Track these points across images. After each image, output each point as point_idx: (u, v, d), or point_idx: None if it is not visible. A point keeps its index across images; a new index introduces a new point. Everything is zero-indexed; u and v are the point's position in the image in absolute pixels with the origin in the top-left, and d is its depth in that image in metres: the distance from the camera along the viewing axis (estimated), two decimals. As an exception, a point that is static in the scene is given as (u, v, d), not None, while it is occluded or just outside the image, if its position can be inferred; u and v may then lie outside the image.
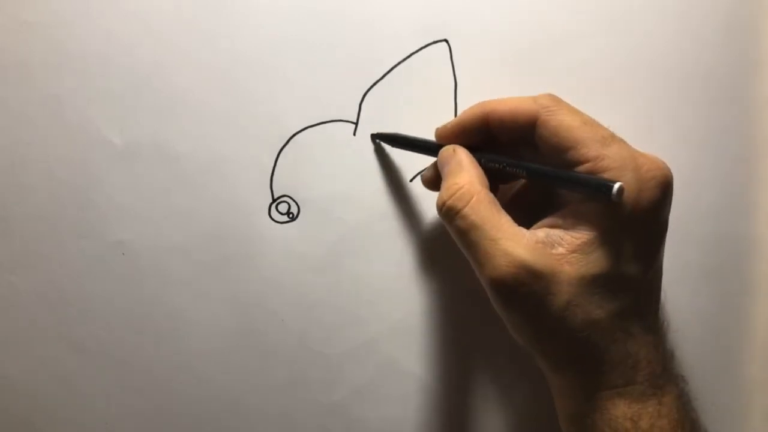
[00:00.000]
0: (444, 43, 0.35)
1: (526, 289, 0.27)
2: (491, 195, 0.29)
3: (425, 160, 0.36)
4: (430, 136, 0.36)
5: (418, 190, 0.36)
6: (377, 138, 0.35)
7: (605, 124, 0.29)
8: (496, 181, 0.32)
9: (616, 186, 0.26)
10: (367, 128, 0.35)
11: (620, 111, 0.36)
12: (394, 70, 0.35)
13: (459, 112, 0.36)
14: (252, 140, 0.35)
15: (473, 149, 0.31)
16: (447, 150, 0.32)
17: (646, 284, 0.29)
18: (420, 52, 0.35)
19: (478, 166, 0.31)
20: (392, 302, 0.36)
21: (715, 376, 0.37)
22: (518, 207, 0.32)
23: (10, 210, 0.36)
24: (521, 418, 0.37)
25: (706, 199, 0.36)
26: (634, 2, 0.35)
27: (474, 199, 0.29)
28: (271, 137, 0.35)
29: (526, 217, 0.30)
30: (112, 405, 0.36)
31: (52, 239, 0.36)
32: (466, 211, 0.29)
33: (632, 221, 0.28)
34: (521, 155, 0.32)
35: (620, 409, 0.28)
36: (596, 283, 0.28)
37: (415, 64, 0.35)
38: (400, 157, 0.36)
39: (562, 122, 0.29)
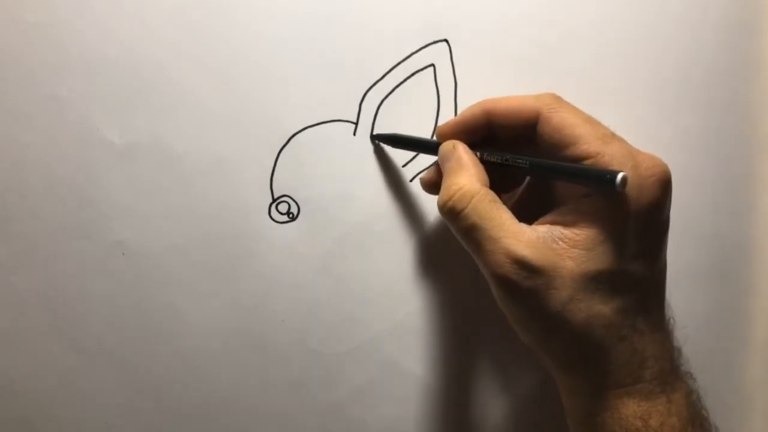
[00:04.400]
0: (444, 43, 0.35)
1: (528, 283, 0.28)
2: (492, 193, 0.30)
3: (425, 160, 0.36)
4: (431, 135, 0.36)
5: (418, 190, 0.36)
6: (377, 139, 0.35)
7: (605, 124, 0.29)
8: (496, 176, 0.32)
9: (620, 175, 0.26)
10: (367, 128, 0.36)
11: (620, 111, 0.36)
12: (394, 70, 0.35)
13: (459, 112, 0.36)
14: (252, 140, 0.35)
15: (473, 146, 0.32)
16: (447, 145, 0.32)
17: (651, 281, 0.29)
18: (420, 52, 0.35)
19: (478, 163, 0.31)
20: (392, 302, 0.36)
21: (715, 375, 0.37)
22: (519, 204, 0.33)
23: (10, 210, 0.36)
24: (522, 417, 0.37)
25: (705, 200, 0.36)
26: (633, 2, 0.35)
27: (475, 199, 0.29)
28: (271, 137, 0.35)
29: (527, 215, 0.30)
30: (112, 405, 0.36)
31: (52, 239, 0.36)
32: (467, 211, 0.29)
33: (633, 218, 0.28)
34: (521, 154, 0.32)
35: (630, 408, 0.28)
36: (599, 280, 0.28)
37: (415, 64, 0.35)
38: (400, 156, 0.36)
39: (564, 119, 0.29)
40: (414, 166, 0.36)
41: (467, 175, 0.30)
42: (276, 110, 0.35)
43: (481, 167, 0.31)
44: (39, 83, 0.35)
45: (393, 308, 0.36)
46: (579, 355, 0.29)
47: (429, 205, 0.36)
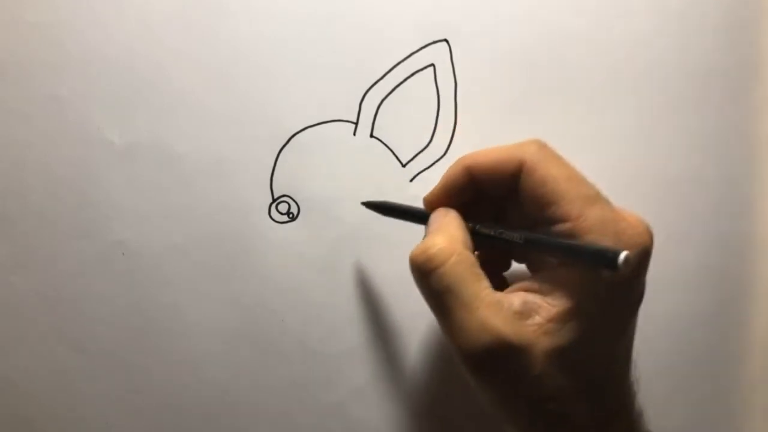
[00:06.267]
0: (444, 43, 0.35)
1: (500, 362, 0.26)
2: (472, 257, 0.28)
3: (426, 160, 0.36)
4: (430, 136, 0.36)
5: (418, 190, 0.36)
6: (368, 206, 0.34)
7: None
8: (487, 247, 0.31)
9: (622, 255, 0.24)
10: (367, 128, 0.36)
11: (620, 111, 0.36)
12: (394, 70, 0.35)
13: (459, 113, 0.36)
14: (252, 140, 0.35)
15: (464, 214, 0.30)
16: (439, 211, 0.30)
17: (619, 350, 0.29)
18: (420, 52, 0.35)
19: (465, 228, 0.29)
20: (392, 302, 0.36)
21: (715, 375, 0.37)
22: (492, 266, 0.31)
23: (10, 210, 0.36)
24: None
25: (706, 199, 0.36)
26: (634, 2, 0.35)
27: (453, 259, 0.27)
28: (271, 137, 0.35)
29: (498, 276, 0.29)
30: (112, 405, 0.36)
31: (52, 239, 0.36)
32: (442, 271, 0.27)
33: (608, 290, 0.27)
34: (508, 210, 0.31)
35: None
36: (569, 353, 0.27)
37: (415, 64, 0.35)
38: (400, 156, 0.36)
39: (548, 174, 0.27)
40: (414, 165, 0.36)
41: (448, 233, 0.28)
42: (276, 110, 0.35)
43: (466, 232, 0.29)
44: (39, 83, 0.35)
45: (393, 308, 0.36)
46: (539, 426, 0.28)
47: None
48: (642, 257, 0.27)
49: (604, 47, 0.35)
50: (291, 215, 0.36)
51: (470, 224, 0.30)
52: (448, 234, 0.28)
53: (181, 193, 0.35)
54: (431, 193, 0.31)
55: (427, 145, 0.36)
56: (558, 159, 0.28)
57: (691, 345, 0.36)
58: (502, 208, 0.31)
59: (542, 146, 0.28)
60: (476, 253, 0.29)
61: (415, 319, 0.36)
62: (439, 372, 0.36)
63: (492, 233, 0.29)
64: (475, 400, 0.36)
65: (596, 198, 0.27)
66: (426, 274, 0.27)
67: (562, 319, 0.26)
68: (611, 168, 0.35)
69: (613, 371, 0.29)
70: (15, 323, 0.36)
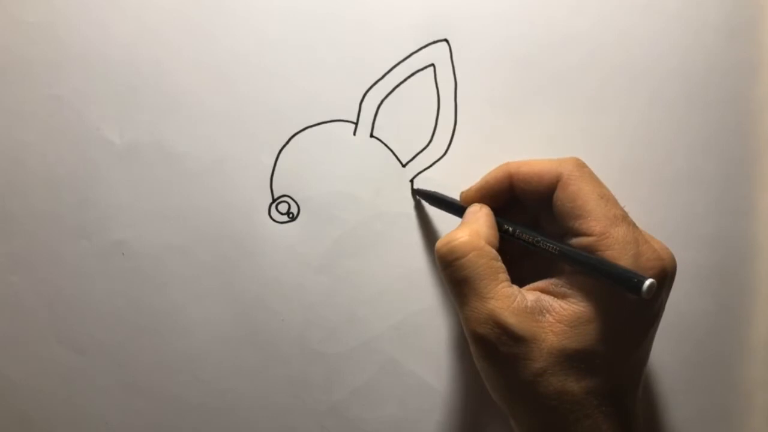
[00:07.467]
0: (444, 43, 0.35)
1: (505, 349, 0.28)
2: (493, 252, 0.30)
3: (426, 160, 0.36)
4: (430, 136, 0.36)
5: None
6: (418, 194, 0.36)
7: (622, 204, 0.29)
8: (522, 249, 0.32)
9: (647, 282, 0.26)
10: (367, 128, 0.36)
11: (620, 111, 0.36)
12: (394, 70, 0.35)
13: (459, 113, 0.36)
14: (252, 140, 0.35)
15: (498, 212, 0.32)
16: (474, 206, 0.32)
17: (627, 368, 0.29)
18: (420, 52, 0.35)
19: (494, 226, 0.31)
20: (392, 302, 0.36)
21: (715, 376, 0.37)
22: (518, 261, 0.32)
23: (10, 209, 0.36)
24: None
25: (706, 200, 0.36)
26: (634, 2, 0.35)
27: (474, 252, 0.29)
28: (271, 137, 0.35)
29: (521, 271, 0.30)
30: (112, 405, 0.36)
31: (52, 239, 0.36)
32: (463, 262, 0.29)
33: (622, 306, 0.28)
34: (539, 218, 0.32)
35: None
36: (576, 358, 0.28)
37: (415, 64, 0.35)
38: (400, 156, 0.36)
39: (580, 190, 0.29)
40: (414, 165, 0.36)
41: (474, 229, 0.30)
42: (276, 110, 0.35)
43: (494, 230, 0.31)
44: (39, 83, 0.35)
45: (393, 308, 0.36)
46: (541, 426, 0.29)
47: (429, 205, 0.36)
48: (658, 281, 0.28)
49: (604, 47, 0.35)
50: (291, 215, 0.36)
51: (510, 227, 0.31)
52: (472, 229, 0.30)
53: (182, 193, 0.35)
54: (470, 189, 0.33)
55: (427, 145, 0.36)
56: (593, 178, 0.30)
57: (691, 344, 0.36)
58: (534, 214, 0.33)
59: (581, 165, 0.30)
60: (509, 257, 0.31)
61: (415, 318, 0.36)
62: (440, 371, 0.36)
63: (530, 239, 0.30)
64: (475, 400, 0.36)
65: (622, 219, 0.29)
66: (448, 264, 0.30)
67: (573, 323, 0.28)
68: (611, 168, 0.35)
69: (622, 386, 0.29)
70: (15, 323, 0.36)
